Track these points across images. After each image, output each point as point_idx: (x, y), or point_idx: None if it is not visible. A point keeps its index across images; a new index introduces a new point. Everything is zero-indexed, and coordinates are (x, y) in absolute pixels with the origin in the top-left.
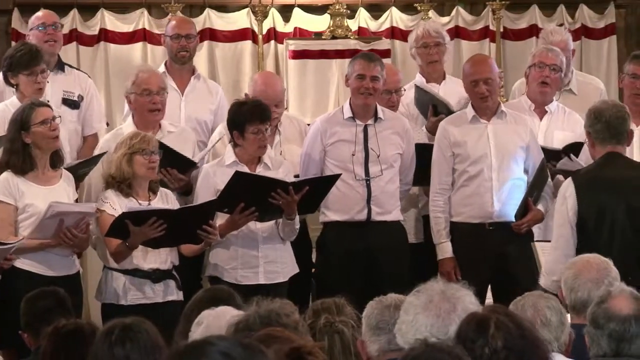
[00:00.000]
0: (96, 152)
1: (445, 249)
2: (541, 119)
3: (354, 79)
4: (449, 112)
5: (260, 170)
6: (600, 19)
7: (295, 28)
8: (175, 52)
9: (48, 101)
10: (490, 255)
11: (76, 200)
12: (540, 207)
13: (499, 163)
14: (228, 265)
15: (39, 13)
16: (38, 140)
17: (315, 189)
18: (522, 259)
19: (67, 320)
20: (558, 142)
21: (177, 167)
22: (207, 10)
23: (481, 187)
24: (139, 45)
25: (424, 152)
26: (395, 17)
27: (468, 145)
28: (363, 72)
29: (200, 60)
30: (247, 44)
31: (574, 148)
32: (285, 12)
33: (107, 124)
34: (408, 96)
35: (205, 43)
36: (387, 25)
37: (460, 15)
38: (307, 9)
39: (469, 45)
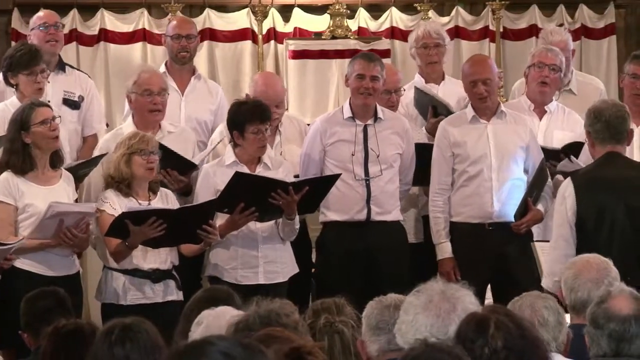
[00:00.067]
0: (96, 152)
1: (444, 249)
2: (541, 118)
3: (354, 79)
4: (448, 113)
5: (260, 171)
6: (600, 19)
7: (295, 28)
8: (175, 53)
9: (49, 101)
10: (490, 255)
11: (76, 200)
12: (540, 207)
13: (498, 163)
14: (228, 265)
15: (41, 13)
16: (38, 140)
17: (315, 189)
18: (521, 259)
19: (67, 320)
20: (557, 142)
21: (177, 168)
22: (207, 10)
23: (481, 187)
24: (138, 45)
25: (423, 152)
26: (395, 17)
27: (468, 146)
28: (363, 72)
29: (200, 60)
30: (247, 44)
31: (573, 148)
32: (285, 12)
33: (107, 125)
34: (407, 96)
35: (205, 43)
36: (387, 25)
37: (460, 15)
38: (307, 9)
39: (468, 46)
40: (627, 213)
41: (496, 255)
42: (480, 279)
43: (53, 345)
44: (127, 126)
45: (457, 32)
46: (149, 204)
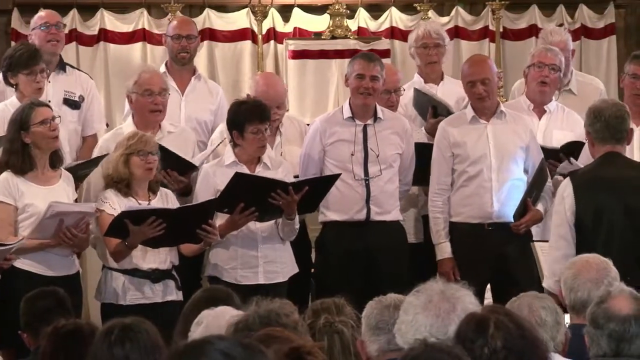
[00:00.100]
0: (95, 151)
1: (444, 249)
2: (540, 118)
3: (354, 79)
4: (448, 113)
5: (259, 170)
6: (599, 19)
7: (294, 28)
8: (175, 53)
9: (49, 101)
10: (490, 255)
11: (76, 200)
12: (539, 207)
13: (498, 163)
14: (228, 265)
15: (42, 12)
16: (37, 140)
17: (315, 188)
18: (521, 259)
19: (67, 320)
20: (557, 141)
21: (177, 169)
22: (207, 10)
23: (480, 188)
24: (138, 45)
25: (423, 152)
26: (394, 17)
27: (468, 146)
28: (362, 72)
29: (199, 60)
30: (247, 44)
31: (572, 147)
32: (285, 12)
33: (107, 125)
34: (406, 96)
35: (205, 43)
36: (386, 25)
37: (460, 15)
38: (307, 9)
39: (468, 46)
40: (626, 213)
41: (496, 255)
42: (479, 279)
43: (52, 345)
44: (127, 126)
45: (456, 32)
46: (149, 203)
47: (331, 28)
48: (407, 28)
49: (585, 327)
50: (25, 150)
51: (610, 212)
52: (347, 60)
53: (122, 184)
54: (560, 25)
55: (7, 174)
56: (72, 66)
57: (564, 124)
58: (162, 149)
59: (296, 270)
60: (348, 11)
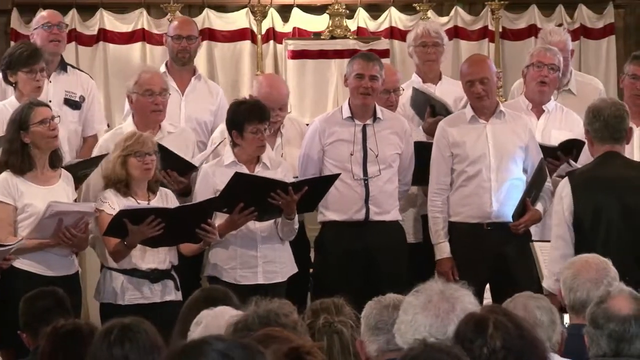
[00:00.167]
0: (95, 150)
1: (443, 249)
2: (539, 118)
3: (353, 79)
4: (447, 113)
5: (259, 170)
6: (599, 19)
7: (294, 28)
8: (176, 53)
9: (50, 101)
10: (489, 255)
11: (75, 200)
12: (538, 207)
13: (497, 163)
14: (227, 265)
15: (44, 12)
16: (37, 140)
17: (314, 188)
18: (520, 259)
19: (66, 320)
20: (555, 141)
21: (177, 169)
22: (206, 10)
23: (480, 187)
24: (138, 45)
25: (422, 151)
26: (394, 17)
27: (467, 146)
28: (362, 72)
29: (199, 60)
30: (246, 44)
31: (570, 145)
32: (284, 12)
33: (108, 125)
34: (404, 96)
35: (204, 43)
36: (386, 25)
37: (459, 15)
38: (306, 9)
39: (467, 45)
40: (625, 213)
41: (495, 255)
42: (479, 279)
43: (52, 345)
44: (127, 126)
45: (456, 32)
46: (149, 203)
47: (330, 28)
48: (406, 28)
49: (585, 327)
50: (25, 150)
51: (609, 211)
52: (346, 60)
53: (121, 184)
54: (560, 25)
55: (6, 174)
56: (73, 66)
57: (562, 124)
58: (162, 149)
59: (295, 270)
60: (347, 11)
